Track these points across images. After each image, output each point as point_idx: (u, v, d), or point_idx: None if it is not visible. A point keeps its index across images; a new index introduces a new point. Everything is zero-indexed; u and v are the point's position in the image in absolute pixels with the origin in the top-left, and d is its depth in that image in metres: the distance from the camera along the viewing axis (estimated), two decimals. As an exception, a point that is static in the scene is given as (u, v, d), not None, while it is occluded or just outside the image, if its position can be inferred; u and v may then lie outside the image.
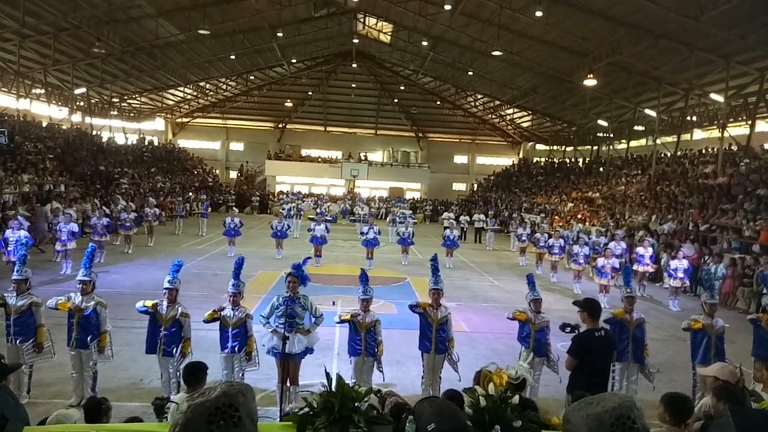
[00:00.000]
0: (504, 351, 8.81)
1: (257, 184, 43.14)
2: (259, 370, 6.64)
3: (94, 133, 32.34)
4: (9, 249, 12.54)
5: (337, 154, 44.50)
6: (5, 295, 6.40)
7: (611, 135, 31.92)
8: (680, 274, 13.67)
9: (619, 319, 6.92)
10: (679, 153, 26.89)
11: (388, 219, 27.55)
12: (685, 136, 27.57)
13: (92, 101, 32.38)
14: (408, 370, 7.88)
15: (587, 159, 36.65)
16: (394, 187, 44.65)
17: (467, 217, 27.20)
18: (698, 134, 27.59)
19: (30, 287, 6.65)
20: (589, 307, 5.45)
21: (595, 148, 36.23)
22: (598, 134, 34.18)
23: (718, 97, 22.05)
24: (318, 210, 26.03)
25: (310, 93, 42.73)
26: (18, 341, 6.23)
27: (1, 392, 1.94)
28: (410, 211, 32.81)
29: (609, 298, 13.05)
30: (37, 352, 6.34)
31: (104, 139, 32.85)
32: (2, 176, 17.91)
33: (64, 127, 29.46)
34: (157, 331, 6.31)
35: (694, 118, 25.17)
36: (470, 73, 32.90)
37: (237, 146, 46.30)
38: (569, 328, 5.59)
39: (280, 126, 45.95)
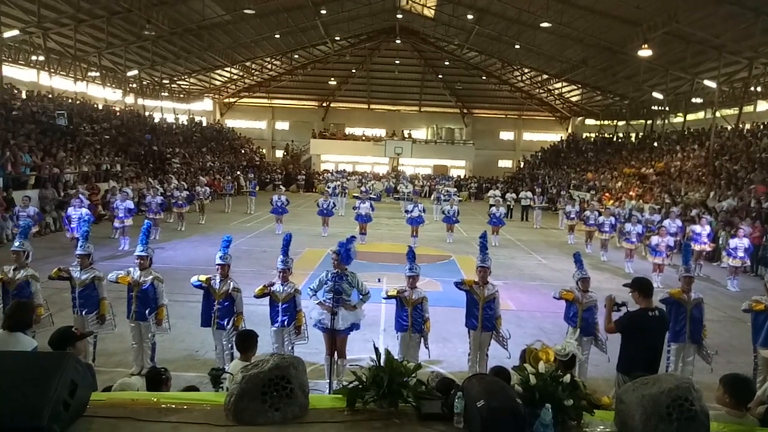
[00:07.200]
0: (552, 330, 8.70)
1: (302, 163, 43.63)
2: (308, 344, 6.78)
3: (147, 114, 33.41)
4: (72, 226, 13.20)
5: (380, 132, 44.37)
6: (70, 269, 6.76)
7: (666, 108, 30.45)
8: (740, 253, 13.07)
9: (676, 299, 6.68)
10: (741, 126, 25.46)
11: (432, 197, 27.36)
12: (748, 108, 26.02)
13: (144, 83, 33.40)
14: (454, 347, 7.91)
15: (640, 134, 35.15)
16: (438, 165, 44.22)
17: (514, 195, 26.71)
18: (762, 105, 25.99)
19: (92, 262, 6.99)
20: (639, 285, 5.28)
21: (649, 122, 34.66)
22: (653, 107, 32.68)
23: (786, 66, 20.72)
24: (362, 188, 26.11)
25: (353, 71, 42.59)
26: (83, 312, 6.61)
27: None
28: (455, 189, 32.46)
29: (663, 277, 12.63)
30: (100, 323, 6.70)
31: (156, 120, 33.90)
32: (63, 157, 18.76)
33: (118, 109, 30.56)
34: (211, 305, 6.55)
35: (759, 89, 23.70)
36: (517, 46, 31.90)
37: (282, 125, 46.84)
38: (616, 306, 5.46)
39: (324, 105, 46.11)
